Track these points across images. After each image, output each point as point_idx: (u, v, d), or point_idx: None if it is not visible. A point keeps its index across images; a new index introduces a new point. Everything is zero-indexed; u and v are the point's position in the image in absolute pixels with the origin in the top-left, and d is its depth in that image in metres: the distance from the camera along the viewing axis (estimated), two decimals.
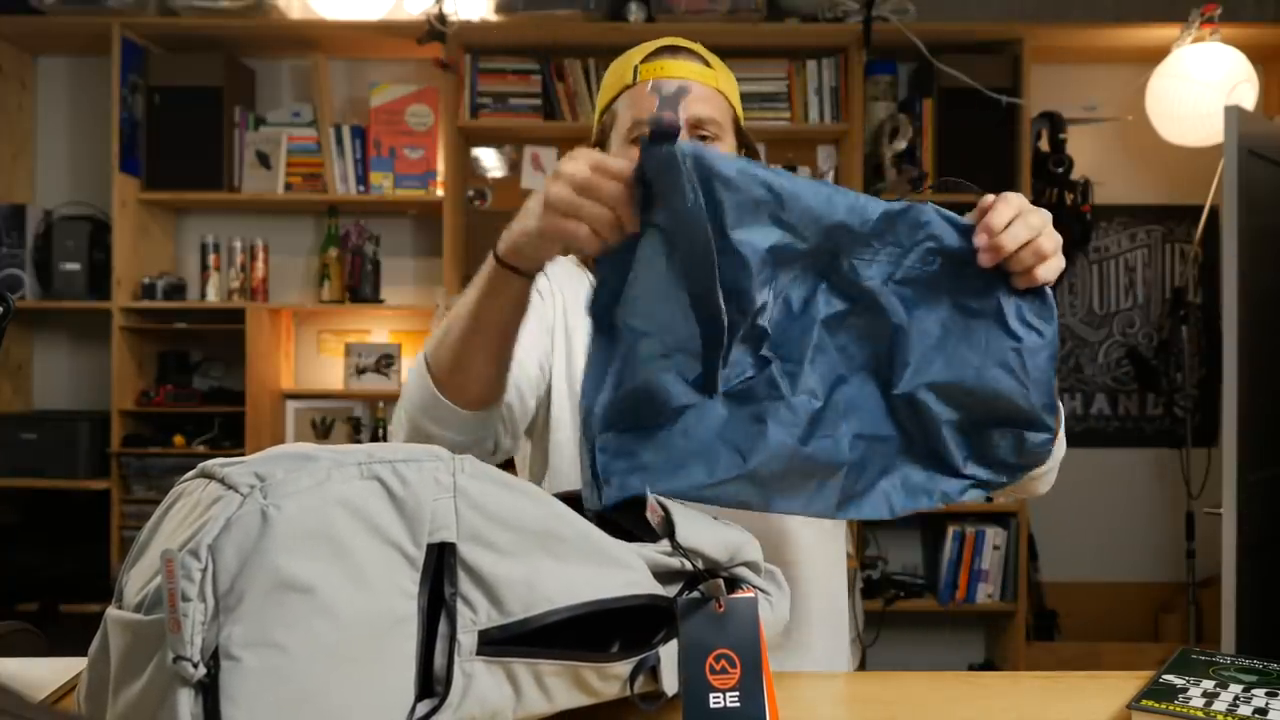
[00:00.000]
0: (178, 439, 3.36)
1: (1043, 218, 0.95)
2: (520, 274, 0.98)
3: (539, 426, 1.28)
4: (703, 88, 1.21)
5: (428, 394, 1.04)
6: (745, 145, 1.27)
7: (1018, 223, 0.92)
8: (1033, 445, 0.97)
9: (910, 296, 0.95)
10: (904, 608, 3.43)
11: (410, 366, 1.10)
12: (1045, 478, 1.15)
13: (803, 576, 1.21)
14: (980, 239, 0.92)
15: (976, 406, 0.96)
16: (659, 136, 0.84)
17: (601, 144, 1.27)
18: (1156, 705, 0.88)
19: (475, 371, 1.04)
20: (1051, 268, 0.94)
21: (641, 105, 1.19)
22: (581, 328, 1.22)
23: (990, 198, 0.95)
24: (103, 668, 0.75)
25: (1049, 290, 0.95)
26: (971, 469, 0.99)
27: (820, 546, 1.28)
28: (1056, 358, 0.96)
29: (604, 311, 0.93)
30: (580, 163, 0.89)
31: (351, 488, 0.73)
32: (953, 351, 0.95)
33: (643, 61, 1.21)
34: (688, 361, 0.91)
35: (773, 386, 0.92)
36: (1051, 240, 0.94)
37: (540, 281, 1.24)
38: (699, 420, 0.92)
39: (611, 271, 0.92)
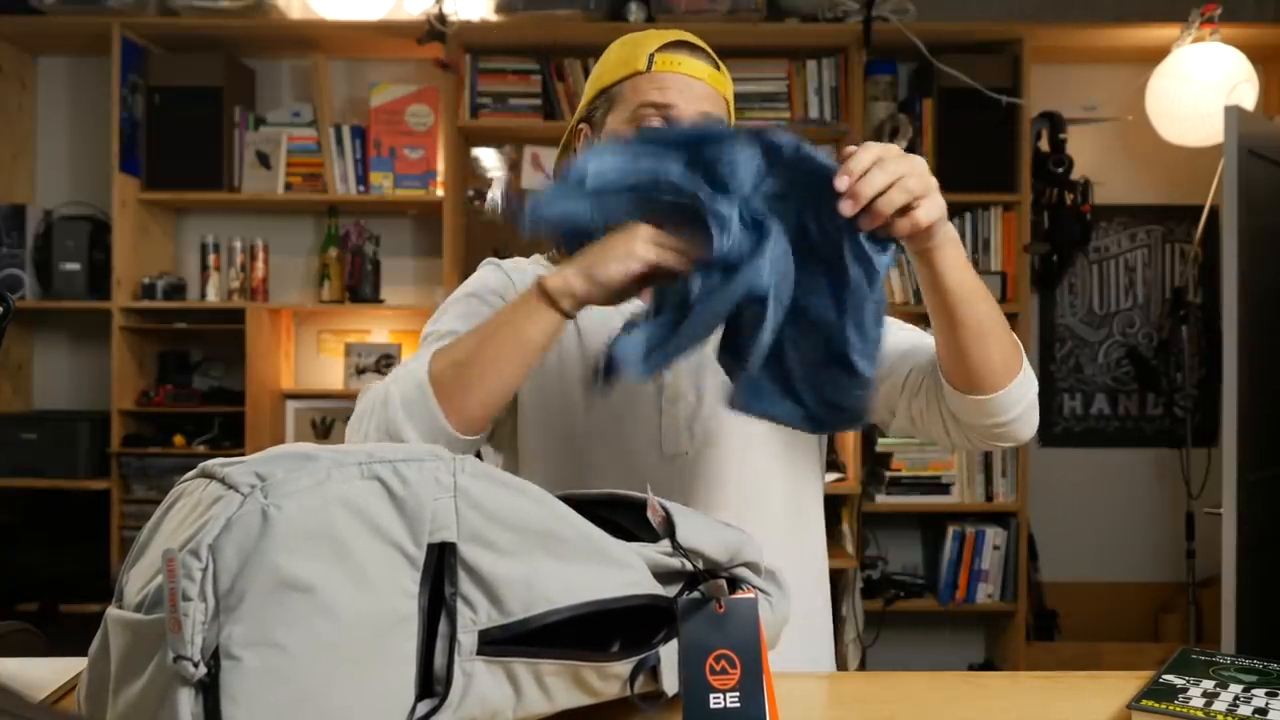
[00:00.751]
0: (178, 439, 3.36)
1: (910, 163, 0.94)
2: (565, 314, 0.99)
3: (506, 435, 1.27)
4: (711, 89, 1.22)
5: (432, 420, 1.00)
6: None
7: (875, 169, 0.91)
8: (852, 389, 0.97)
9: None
10: (904, 608, 3.43)
11: (390, 382, 1.05)
12: (1023, 419, 1.12)
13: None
14: (841, 181, 0.91)
15: (811, 333, 0.97)
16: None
17: (590, 120, 1.27)
18: (1156, 705, 0.88)
19: (486, 402, 1.02)
20: (929, 209, 0.94)
21: (655, 91, 1.20)
22: None
23: (852, 148, 0.94)
24: (103, 667, 0.75)
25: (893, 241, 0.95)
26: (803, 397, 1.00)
27: (794, 544, 1.27)
28: (880, 305, 0.95)
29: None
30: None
31: (352, 488, 0.74)
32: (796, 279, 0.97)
33: (659, 51, 1.21)
34: None
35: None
36: (921, 181, 0.93)
37: (494, 281, 1.24)
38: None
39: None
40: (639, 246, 0.96)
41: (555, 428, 1.24)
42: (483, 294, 1.24)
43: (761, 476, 1.26)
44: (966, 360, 1.07)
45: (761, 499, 1.25)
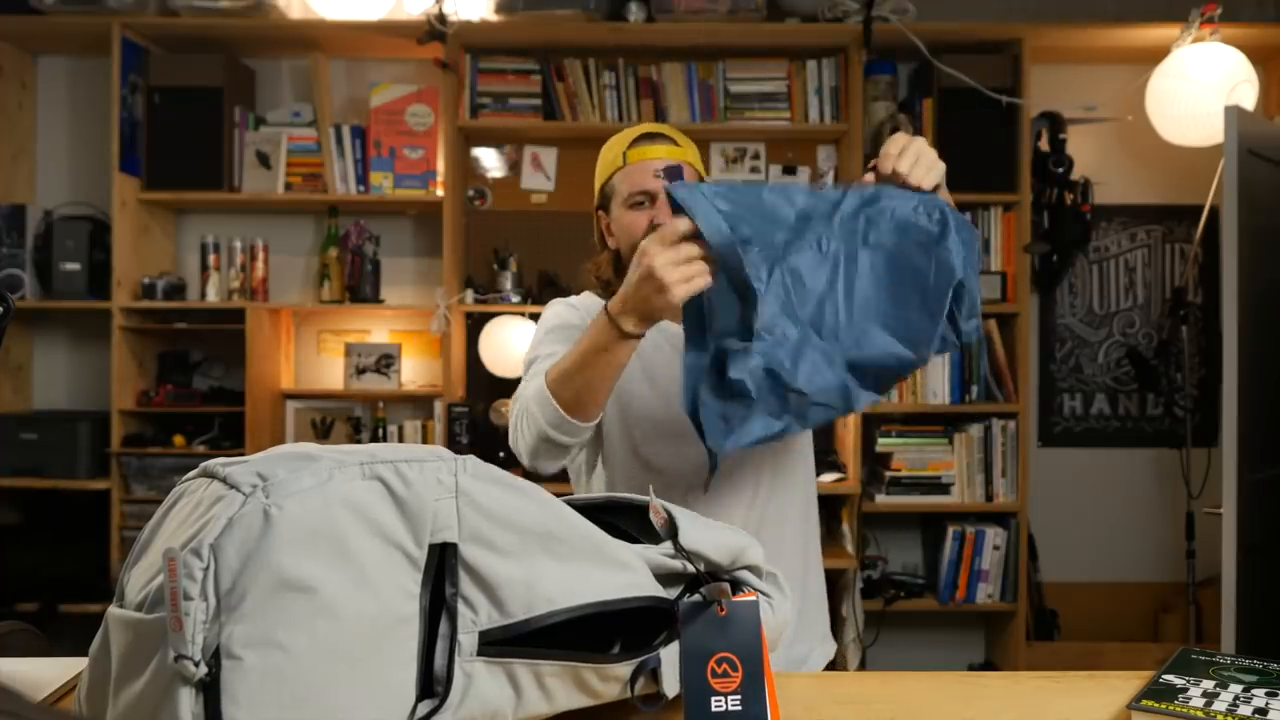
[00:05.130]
0: (178, 439, 3.36)
1: (921, 144, 1.30)
2: (634, 337, 1.26)
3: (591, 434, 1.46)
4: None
5: (558, 417, 1.31)
6: None
7: (907, 153, 1.29)
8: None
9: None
10: (904, 608, 3.43)
11: (527, 397, 1.38)
12: None
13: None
14: (885, 163, 1.30)
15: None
16: (670, 173, 1.47)
17: (604, 207, 1.58)
18: (1156, 705, 0.88)
19: (594, 400, 1.33)
20: (939, 171, 1.31)
21: (635, 180, 1.50)
22: None
23: (896, 137, 1.31)
24: (104, 666, 0.75)
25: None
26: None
27: (791, 540, 1.52)
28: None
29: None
30: (667, 249, 1.19)
31: (354, 488, 0.74)
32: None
33: (629, 148, 1.51)
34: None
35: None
36: (933, 154, 1.30)
37: (572, 313, 1.59)
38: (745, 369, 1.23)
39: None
40: (676, 291, 1.18)
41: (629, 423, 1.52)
42: (566, 325, 1.54)
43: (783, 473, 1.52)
44: None
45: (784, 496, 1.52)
